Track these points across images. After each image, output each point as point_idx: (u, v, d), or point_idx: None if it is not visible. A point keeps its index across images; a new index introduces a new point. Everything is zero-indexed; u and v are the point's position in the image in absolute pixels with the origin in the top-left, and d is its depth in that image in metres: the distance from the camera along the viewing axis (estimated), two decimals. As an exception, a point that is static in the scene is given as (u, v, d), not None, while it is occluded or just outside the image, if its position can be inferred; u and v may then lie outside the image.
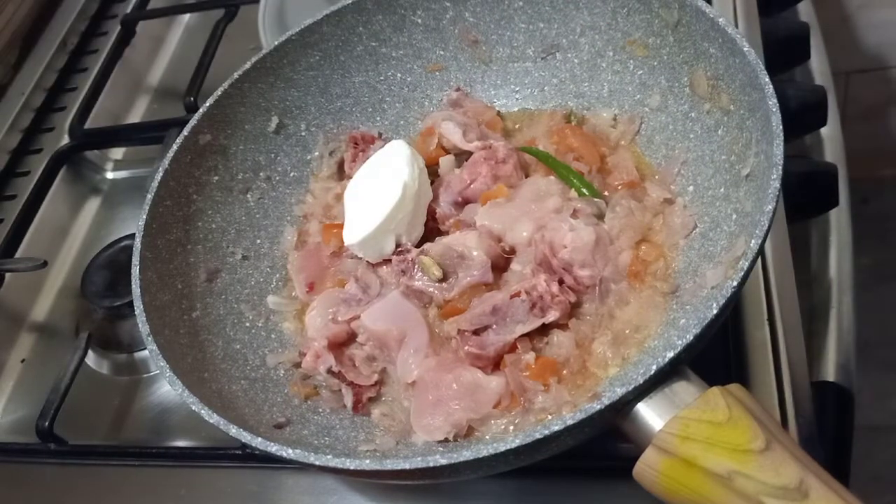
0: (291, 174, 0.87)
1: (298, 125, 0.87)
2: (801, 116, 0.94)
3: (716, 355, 0.70)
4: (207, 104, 0.81)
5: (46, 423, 0.82)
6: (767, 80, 0.63)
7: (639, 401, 0.54)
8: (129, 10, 1.30)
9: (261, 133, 0.85)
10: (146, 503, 0.78)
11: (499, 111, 0.87)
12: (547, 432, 0.52)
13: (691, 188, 0.73)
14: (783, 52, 0.99)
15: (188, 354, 0.70)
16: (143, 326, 0.67)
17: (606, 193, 0.76)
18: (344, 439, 0.69)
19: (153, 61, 1.28)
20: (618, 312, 0.69)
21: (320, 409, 0.72)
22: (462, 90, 0.88)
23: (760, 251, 0.57)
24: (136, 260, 0.71)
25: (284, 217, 0.85)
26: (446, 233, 0.77)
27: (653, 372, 0.53)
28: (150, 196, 0.75)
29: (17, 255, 1.01)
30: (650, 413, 0.54)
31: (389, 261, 0.76)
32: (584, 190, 0.75)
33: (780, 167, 0.59)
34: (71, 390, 0.84)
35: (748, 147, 0.66)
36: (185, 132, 0.79)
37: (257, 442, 0.58)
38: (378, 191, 0.76)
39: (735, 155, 0.68)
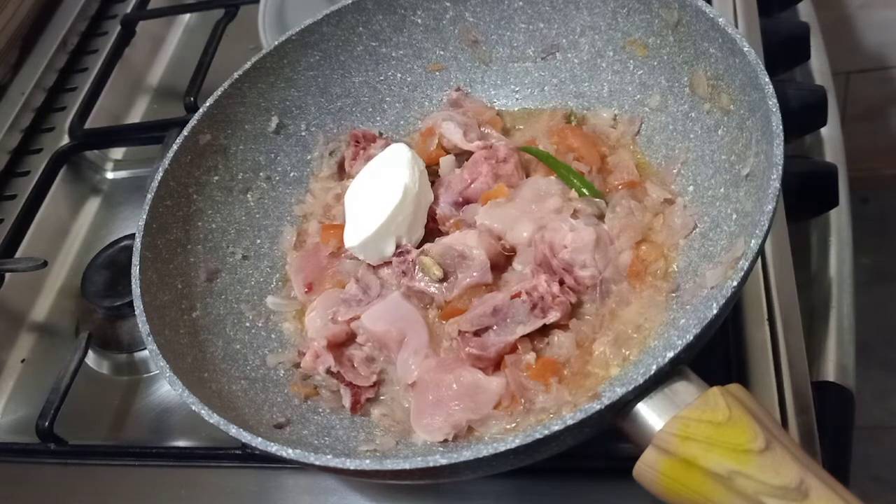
0: (291, 174, 0.87)
1: (298, 125, 0.87)
2: (801, 116, 0.94)
3: (716, 355, 0.70)
4: (207, 104, 0.81)
5: (46, 423, 0.82)
6: (767, 80, 0.63)
7: (639, 401, 0.54)
8: (129, 10, 1.30)
9: (261, 133, 0.85)
10: (146, 503, 0.78)
11: (499, 111, 0.87)
12: (547, 432, 0.52)
13: (691, 188, 0.74)
14: (783, 52, 0.99)
15: (188, 354, 0.70)
16: (143, 326, 0.67)
17: (607, 193, 0.76)
18: (344, 439, 0.69)
19: (153, 61, 1.28)
20: (618, 312, 0.69)
21: (320, 409, 0.72)
22: (462, 90, 0.88)
23: (760, 251, 0.57)
24: (136, 260, 0.71)
25: (284, 217, 0.85)
26: (446, 234, 0.77)
27: (653, 372, 0.53)
28: (150, 196, 0.75)
29: (17, 255, 1.01)
30: (650, 413, 0.54)
31: (390, 262, 0.76)
32: (585, 190, 0.75)
33: (780, 167, 0.59)
34: (71, 390, 0.84)
35: (748, 147, 0.66)
36: (185, 132, 0.79)
37: (257, 442, 0.58)
38: (378, 193, 0.76)
39: (735, 155, 0.68)
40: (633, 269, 0.70)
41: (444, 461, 0.53)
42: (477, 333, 0.68)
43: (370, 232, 0.75)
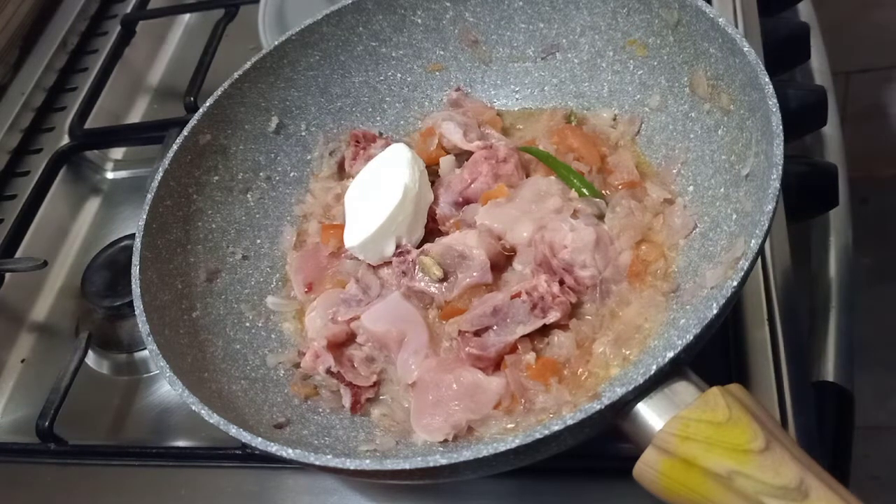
0: (291, 174, 0.87)
1: (298, 125, 0.87)
2: (801, 116, 0.94)
3: (716, 355, 0.70)
4: (207, 104, 0.81)
5: (46, 423, 0.82)
6: (767, 80, 0.63)
7: (639, 401, 0.54)
8: (129, 10, 1.30)
9: (261, 133, 0.85)
10: (146, 503, 0.78)
11: (499, 111, 0.87)
12: (547, 432, 0.52)
13: (691, 188, 0.74)
14: (783, 52, 0.99)
15: (188, 354, 0.70)
16: (143, 326, 0.67)
17: (607, 193, 0.76)
18: (344, 439, 0.69)
19: (153, 61, 1.28)
20: (618, 312, 0.69)
21: (320, 409, 0.72)
22: (462, 90, 0.88)
23: (760, 251, 0.57)
24: (136, 260, 0.71)
25: (284, 217, 0.85)
26: (446, 234, 0.77)
27: (653, 372, 0.53)
28: (150, 196, 0.75)
29: (17, 255, 1.01)
30: (650, 413, 0.54)
31: (390, 262, 0.76)
32: (585, 190, 0.75)
33: (780, 167, 0.59)
34: (71, 390, 0.84)
35: (748, 147, 0.66)
36: (185, 132, 0.79)
37: (257, 442, 0.58)
38: (379, 193, 0.76)
39: (735, 155, 0.68)
40: (633, 269, 0.70)
41: (444, 461, 0.53)
42: (477, 333, 0.68)
43: (370, 232, 0.75)
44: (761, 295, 0.75)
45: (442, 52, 0.88)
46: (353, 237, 0.76)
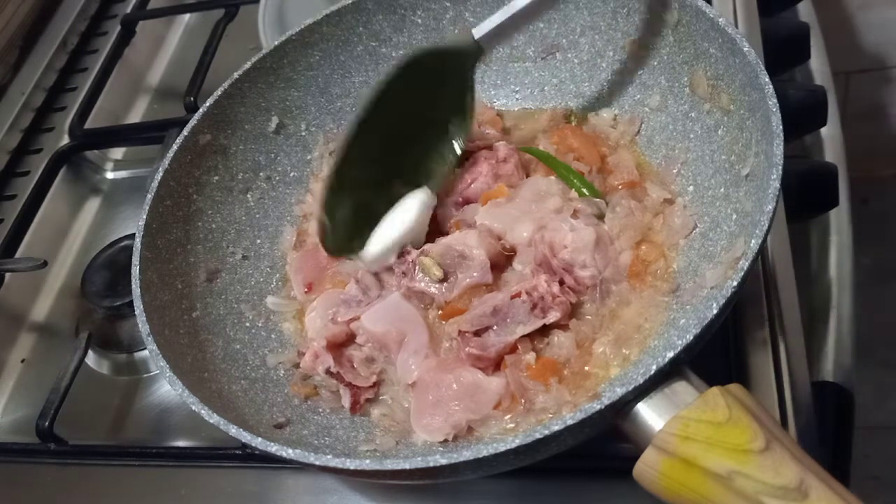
0: (291, 174, 0.87)
1: (298, 125, 0.87)
2: (801, 116, 0.94)
3: (716, 355, 0.70)
4: (207, 104, 0.81)
5: (46, 423, 0.82)
6: (767, 80, 0.63)
7: (639, 401, 0.54)
8: (129, 10, 1.30)
9: (261, 133, 0.85)
10: (146, 503, 0.78)
11: (499, 111, 0.87)
12: (547, 432, 0.52)
13: (691, 188, 0.74)
14: (783, 52, 0.99)
15: (188, 354, 0.70)
16: (143, 326, 0.67)
17: (607, 193, 0.76)
18: (344, 439, 0.69)
19: (153, 61, 1.28)
20: (618, 312, 0.69)
21: (320, 409, 0.72)
22: (462, 90, 0.88)
23: (760, 251, 0.57)
24: (136, 260, 0.71)
25: (284, 217, 0.85)
26: (446, 234, 0.77)
27: (653, 372, 0.53)
28: (150, 196, 0.75)
29: (17, 255, 1.01)
30: (650, 413, 0.54)
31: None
32: (585, 190, 0.75)
33: (780, 167, 0.59)
34: (71, 390, 0.84)
35: (748, 147, 0.66)
36: (185, 132, 0.79)
37: (257, 442, 0.58)
38: (394, 212, 0.76)
39: (735, 155, 0.68)
40: (633, 269, 0.70)
41: (444, 461, 0.53)
42: (477, 333, 0.68)
43: (383, 248, 0.74)
44: (761, 295, 0.74)
45: (442, 52, 0.88)
46: (365, 252, 0.76)
